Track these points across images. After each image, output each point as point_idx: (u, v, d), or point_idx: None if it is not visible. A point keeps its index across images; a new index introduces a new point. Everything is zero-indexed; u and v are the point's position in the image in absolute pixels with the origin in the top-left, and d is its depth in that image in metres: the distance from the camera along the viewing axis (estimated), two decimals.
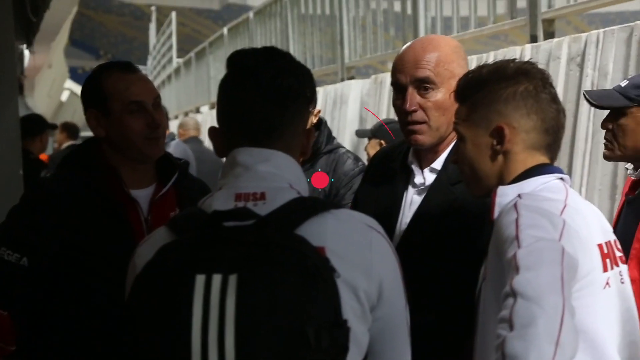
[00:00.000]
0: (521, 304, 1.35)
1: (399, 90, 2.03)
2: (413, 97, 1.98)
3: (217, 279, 1.29)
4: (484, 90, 1.70)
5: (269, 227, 1.34)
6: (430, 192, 2.02)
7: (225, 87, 1.50)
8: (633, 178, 2.49)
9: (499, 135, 1.67)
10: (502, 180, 1.68)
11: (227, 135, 1.50)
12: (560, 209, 1.57)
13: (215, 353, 1.27)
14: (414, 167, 2.06)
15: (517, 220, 1.51)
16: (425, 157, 2.05)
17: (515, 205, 1.55)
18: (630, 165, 2.52)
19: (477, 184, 1.73)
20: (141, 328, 1.31)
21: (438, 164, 2.03)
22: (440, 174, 2.02)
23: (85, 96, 2.19)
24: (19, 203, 2.14)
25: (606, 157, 2.52)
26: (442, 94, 1.98)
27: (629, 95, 2.41)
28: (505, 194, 1.64)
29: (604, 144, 2.48)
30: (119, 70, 2.16)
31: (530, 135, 1.68)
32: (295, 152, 1.50)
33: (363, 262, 1.39)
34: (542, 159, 1.70)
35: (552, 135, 1.71)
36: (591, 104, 2.50)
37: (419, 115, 1.98)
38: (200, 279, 1.30)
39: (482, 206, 1.83)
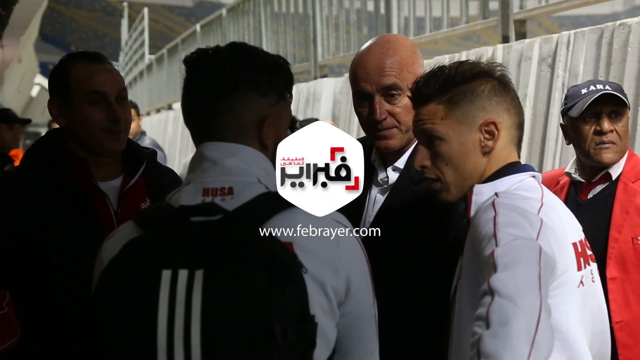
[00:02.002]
0: (498, 302, 1.35)
1: (363, 99, 2.00)
2: (382, 105, 1.95)
3: (183, 274, 1.28)
4: (463, 86, 1.66)
5: (237, 222, 1.32)
6: (393, 191, 2.01)
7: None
8: (581, 180, 2.53)
9: (490, 130, 1.65)
10: (482, 179, 1.66)
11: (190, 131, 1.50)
12: (537, 208, 1.56)
13: (181, 349, 1.26)
14: (377, 166, 2.05)
15: (494, 218, 1.50)
16: (388, 155, 2.04)
17: (493, 204, 1.54)
18: (572, 169, 2.58)
19: (459, 185, 1.67)
20: (107, 324, 1.30)
21: (401, 162, 2.02)
22: (403, 173, 2.01)
23: (50, 83, 2.13)
24: None
25: (612, 161, 2.49)
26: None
27: (625, 99, 2.49)
28: (481, 193, 1.62)
29: (609, 147, 2.46)
30: (84, 60, 2.10)
31: (511, 130, 1.68)
32: (252, 144, 1.46)
33: (331, 257, 1.38)
34: (516, 155, 1.69)
35: (522, 131, 1.71)
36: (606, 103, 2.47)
37: (389, 121, 1.96)
38: (166, 274, 1.28)
39: (444, 206, 1.81)
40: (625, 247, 2.41)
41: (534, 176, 1.68)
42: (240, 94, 1.45)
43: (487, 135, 1.65)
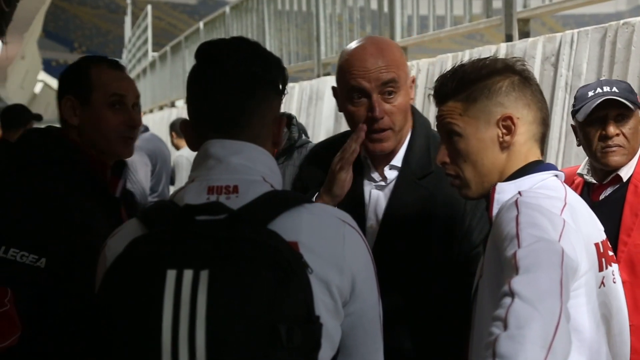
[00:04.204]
0: (518, 304, 1.34)
1: (359, 97, 1.97)
2: (381, 103, 1.94)
3: (188, 274, 1.27)
4: (480, 83, 1.66)
5: (242, 221, 1.31)
6: (399, 189, 2.00)
7: (192, 77, 1.48)
8: (593, 182, 2.54)
9: (506, 126, 1.64)
10: (502, 176, 1.66)
11: (196, 127, 1.48)
12: (560, 208, 1.55)
13: (186, 350, 1.25)
14: (370, 163, 2.03)
15: (517, 217, 1.49)
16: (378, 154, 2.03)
17: (516, 202, 1.53)
18: (584, 170, 2.58)
19: (479, 182, 1.67)
20: (110, 323, 1.29)
21: (398, 160, 2.02)
22: (403, 170, 2.01)
23: (65, 82, 2.12)
24: (16, 200, 1.99)
25: (619, 164, 2.48)
26: (402, 96, 1.96)
27: (633, 100, 2.46)
28: (503, 191, 1.61)
29: (615, 150, 2.45)
30: (107, 65, 2.13)
31: (532, 126, 1.66)
32: (266, 143, 1.47)
33: (336, 257, 1.37)
34: (538, 152, 1.68)
35: (546, 126, 1.70)
36: (612, 107, 2.45)
37: (386, 121, 1.95)
38: (171, 275, 1.27)
39: (454, 196, 1.83)
40: (635, 251, 2.39)
41: (556, 175, 1.67)
42: (266, 93, 1.46)
43: (504, 131, 1.65)
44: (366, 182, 2.02)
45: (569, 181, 2.62)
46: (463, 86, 1.67)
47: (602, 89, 2.48)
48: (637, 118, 2.49)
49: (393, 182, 2.01)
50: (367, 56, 1.96)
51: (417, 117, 2.07)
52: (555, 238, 1.47)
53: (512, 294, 1.36)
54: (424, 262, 1.94)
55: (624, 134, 2.46)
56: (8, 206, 1.99)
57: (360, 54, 1.98)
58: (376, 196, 2.01)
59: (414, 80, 2.04)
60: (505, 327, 1.32)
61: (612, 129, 2.45)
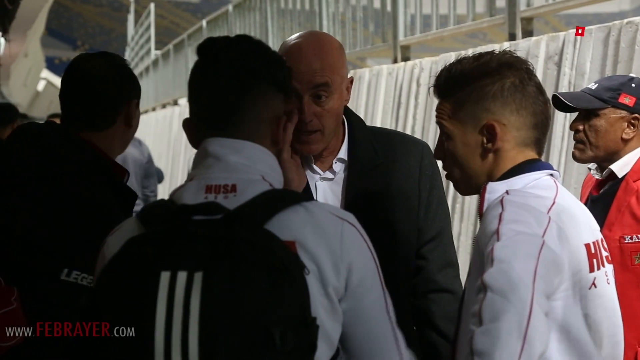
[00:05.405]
0: (490, 297, 1.34)
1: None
2: (310, 106, 1.92)
3: (182, 276, 1.26)
4: (469, 86, 1.64)
5: (237, 222, 1.30)
6: (353, 182, 1.99)
7: (191, 74, 1.48)
8: (598, 178, 2.60)
9: (490, 133, 1.63)
10: (491, 178, 1.65)
11: (195, 124, 1.47)
12: (548, 207, 1.54)
13: (179, 352, 1.24)
14: (311, 156, 2.02)
15: (500, 215, 1.48)
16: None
17: (501, 201, 1.53)
18: (593, 165, 2.64)
19: (466, 183, 1.68)
20: (105, 323, 1.29)
21: (343, 153, 2.01)
22: (351, 163, 2.01)
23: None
24: (66, 216, 1.91)
25: (577, 159, 2.58)
26: (335, 100, 1.95)
27: (603, 97, 2.52)
28: (494, 191, 1.60)
29: (576, 145, 2.55)
30: None
31: (521, 132, 1.64)
32: (264, 141, 1.46)
33: (333, 255, 1.36)
34: (531, 154, 1.66)
35: (540, 129, 1.67)
36: (561, 107, 2.56)
37: (315, 124, 1.94)
38: (165, 276, 1.27)
39: (407, 186, 1.93)
40: (612, 246, 2.40)
41: (552, 174, 1.65)
42: (263, 90, 1.45)
43: (488, 137, 1.64)
44: (310, 175, 2.01)
45: (592, 177, 2.68)
46: (453, 88, 1.66)
47: (590, 85, 2.58)
48: (605, 116, 2.52)
49: (342, 176, 2.01)
50: (302, 57, 1.93)
51: (352, 115, 2.07)
52: (539, 233, 1.46)
53: (484, 287, 1.35)
54: (387, 252, 1.95)
55: (585, 130, 2.53)
56: (62, 220, 1.90)
57: (296, 54, 1.94)
58: (323, 189, 2.00)
59: (352, 82, 2.03)
60: (480, 322, 1.32)
61: (574, 124, 2.56)
